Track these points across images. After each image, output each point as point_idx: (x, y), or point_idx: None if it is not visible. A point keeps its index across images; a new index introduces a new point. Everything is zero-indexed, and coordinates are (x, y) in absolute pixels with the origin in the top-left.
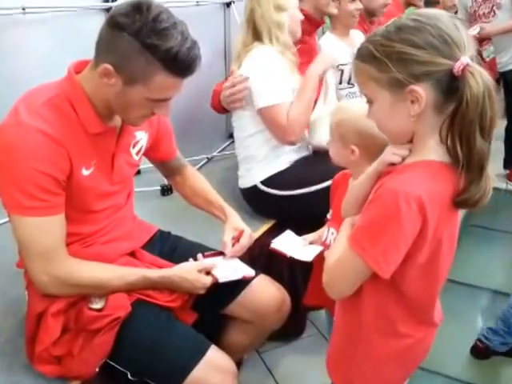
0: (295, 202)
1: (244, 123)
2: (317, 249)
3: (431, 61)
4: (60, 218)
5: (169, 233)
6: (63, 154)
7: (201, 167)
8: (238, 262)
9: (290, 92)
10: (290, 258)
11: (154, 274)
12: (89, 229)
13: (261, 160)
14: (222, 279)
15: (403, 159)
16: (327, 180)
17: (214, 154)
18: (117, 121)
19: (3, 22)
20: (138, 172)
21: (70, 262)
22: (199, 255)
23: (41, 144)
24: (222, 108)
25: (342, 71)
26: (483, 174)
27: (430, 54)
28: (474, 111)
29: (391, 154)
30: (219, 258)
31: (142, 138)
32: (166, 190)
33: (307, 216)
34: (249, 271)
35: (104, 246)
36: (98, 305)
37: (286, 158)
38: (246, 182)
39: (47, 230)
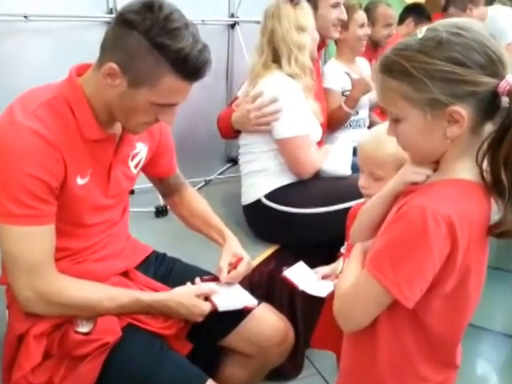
0: (301, 222)
1: (255, 140)
2: (331, 284)
3: (477, 80)
4: (50, 229)
5: (164, 254)
6: (58, 158)
7: (198, 190)
8: (239, 288)
9: (307, 122)
10: (302, 291)
11: (148, 297)
12: (80, 244)
13: (266, 174)
14: (222, 308)
15: (426, 178)
16: (340, 203)
17: (213, 177)
18: (116, 129)
19: (4, 29)
20: (132, 192)
21: (59, 279)
22: (197, 279)
23: (35, 146)
24: (234, 132)
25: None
26: None
27: (477, 73)
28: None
29: (413, 172)
30: (218, 284)
31: (141, 149)
32: (160, 212)
33: (314, 241)
34: (251, 301)
35: (95, 264)
36: (85, 328)
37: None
38: (248, 197)
39: (36, 241)
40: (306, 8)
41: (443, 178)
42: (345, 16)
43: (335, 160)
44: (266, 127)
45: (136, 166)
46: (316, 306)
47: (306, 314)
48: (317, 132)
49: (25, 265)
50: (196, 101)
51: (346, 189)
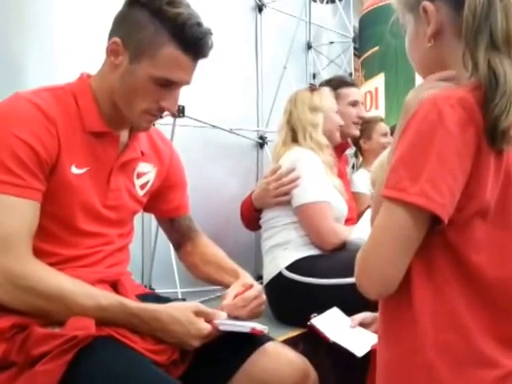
0: (326, 294)
1: (276, 214)
2: (372, 337)
3: None
4: (33, 206)
5: (168, 298)
6: (53, 133)
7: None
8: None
9: (328, 191)
10: (333, 343)
11: (135, 304)
12: (69, 252)
13: (288, 246)
14: (222, 326)
15: None
16: None
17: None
18: (120, 132)
19: None
20: None
21: (33, 262)
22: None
23: (31, 114)
24: (255, 211)
25: None
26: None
27: None
28: (477, 21)
29: (426, 88)
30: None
31: (149, 171)
32: None
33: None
34: (260, 325)
35: (81, 269)
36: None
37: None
38: (269, 273)
39: (14, 212)
40: (325, 92)
41: None
42: (364, 113)
43: (363, 229)
44: (287, 197)
45: (142, 187)
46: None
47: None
48: (342, 206)
49: None
50: (222, 209)
51: None
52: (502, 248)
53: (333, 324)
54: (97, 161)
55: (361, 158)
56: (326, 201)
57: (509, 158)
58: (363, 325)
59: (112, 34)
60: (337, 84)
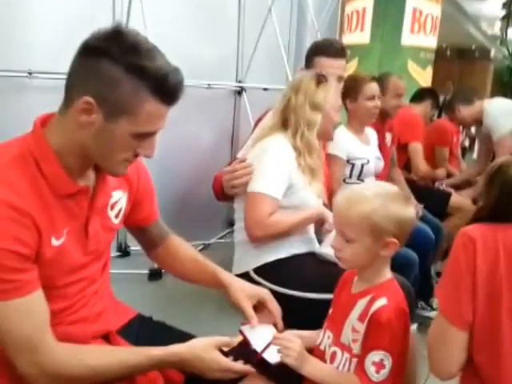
0: (293, 305)
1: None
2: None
3: None
4: (38, 296)
5: (150, 318)
6: (30, 226)
7: None
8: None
9: (281, 189)
10: (254, 351)
11: (159, 352)
12: (54, 306)
13: (258, 245)
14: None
15: None
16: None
17: (212, 240)
18: (90, 180)
19: (9, 85)
20: (127, 254)
21: (59, 350)
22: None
23: (4, 218)
24: (223, 194)
25: (353, 165)
26: None
27: None
28: None
29: None
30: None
31: (120, 197)
32: (154, 275)
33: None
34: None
35: (71, 327)
36: None
37: (288, 246)
38: (238, 267)
39: (24, 313)
40: (331, 88)
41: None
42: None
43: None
44: (238, 190)
45: (117, 216)
46: None
47: None
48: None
49: (19, 342)
50: (200, 163)
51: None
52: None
53: (260, 333)
54: (73, 218)
55: None
56: (273, 197)
57: None
58: None
59: (76, 91)
60: None
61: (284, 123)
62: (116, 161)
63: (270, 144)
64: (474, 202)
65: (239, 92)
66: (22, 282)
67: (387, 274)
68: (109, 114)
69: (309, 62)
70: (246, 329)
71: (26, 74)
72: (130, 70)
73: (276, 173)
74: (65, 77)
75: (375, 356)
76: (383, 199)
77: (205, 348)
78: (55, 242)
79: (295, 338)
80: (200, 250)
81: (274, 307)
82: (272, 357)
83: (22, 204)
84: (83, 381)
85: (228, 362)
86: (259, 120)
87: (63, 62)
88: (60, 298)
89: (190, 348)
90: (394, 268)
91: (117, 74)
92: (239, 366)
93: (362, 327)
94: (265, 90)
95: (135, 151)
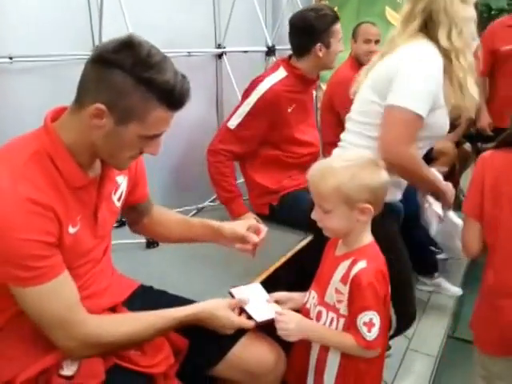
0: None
1: None
2: (272, 311)
3: None
4: (64, 277)
5: (151, 287)
6: (52, 217)
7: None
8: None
9: (425, 107)
10: (243, 310)
11: (182, 313)
12: None
13: None
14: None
15: None
16: None
17: (205, 204)
18: (96, 170)
19: None
20: (123, 224)
21: (92, 322)
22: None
23: (30, 213)
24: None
25: None
26: None
27: None
28: None
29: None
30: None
31: (121, 182)
32: (151, 243)
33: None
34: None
35: (85, 301)
36: (69, 371)
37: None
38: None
39: (55, 295)
40: None
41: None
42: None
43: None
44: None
45: (119, 200)
46: None
47: None
48: (445, 123)
49: (54, 321)
50: (188, 130)
51: None
52: None
53: (249, 294)
54: (84, 207)
55: None
56: (419, 114)
57: None
58: (278, 302)
59: (89, 96)
60: None
61: (428, 26)
62: (123, 158)
63: (421, 55)
64: (457, 144)
65: (220, 55)
66: (50, 266)
67: (368, 238)
68: (119, 120)
69: None
70: (234, 290)
71: (7, 60)
72: (139, 82)
73: (427, 91)
74: (45, 59)
75: (365, 317)
76: (350, 169)
77: (220, 307)
78: (72, 230)
79: (293, 316)
80: (194, 214)
81: (262, 228)
82: (259, 315)
83: (44, 199)
84: (121, 347)
85: (240, 319)
86: (246, 91)
87: (43, 44)
88: (73, 278)
89: (205, 308)
90: None
91: (127, 85)
92: (245, 321)
93: (345, 289)
94: (245, 52)
95: (141, 149)
